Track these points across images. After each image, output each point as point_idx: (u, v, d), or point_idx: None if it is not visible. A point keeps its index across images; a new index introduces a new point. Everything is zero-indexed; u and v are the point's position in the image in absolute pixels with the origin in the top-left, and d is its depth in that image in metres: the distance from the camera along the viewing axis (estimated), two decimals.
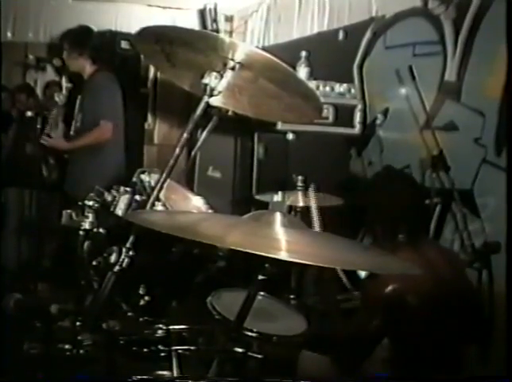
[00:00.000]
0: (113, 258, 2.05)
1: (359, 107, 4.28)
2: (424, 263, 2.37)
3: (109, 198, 2.34)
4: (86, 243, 2.33)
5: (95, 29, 4.99)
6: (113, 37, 5.63)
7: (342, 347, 2.45)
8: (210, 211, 2.61)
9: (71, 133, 4.85)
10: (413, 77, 3.86)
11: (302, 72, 4.12)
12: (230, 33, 6.40)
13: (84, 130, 4.64)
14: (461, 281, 2.64)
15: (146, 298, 2.32)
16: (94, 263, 2.19)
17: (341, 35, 4.59)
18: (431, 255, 2.51)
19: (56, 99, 5.00)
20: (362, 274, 2.69)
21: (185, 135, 2.07)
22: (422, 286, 2.30)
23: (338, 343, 2.48)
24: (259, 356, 2.06)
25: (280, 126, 3.97)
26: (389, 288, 2.31)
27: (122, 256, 2.03)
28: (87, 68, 4.74)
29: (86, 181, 3.94)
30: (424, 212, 2.86)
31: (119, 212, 2.30)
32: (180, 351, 2.11)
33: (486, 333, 2.91)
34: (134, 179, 2.45)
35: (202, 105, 2.06)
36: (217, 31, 5.83)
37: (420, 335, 2.34)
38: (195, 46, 2.00)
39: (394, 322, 2.37)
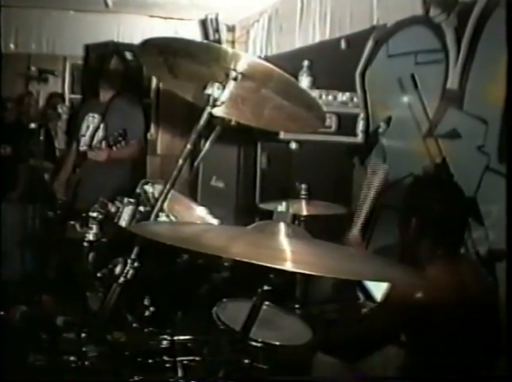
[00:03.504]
0: (118, 269, 2.05)
1: (362, 115, 4.28)
2: (455, 278, 2.35)
3: (113, 209, 2.35)
4: (90, 255, 2.34)
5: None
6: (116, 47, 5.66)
7: (352, 345, 2.44)
8: (214, 221, 2.61)
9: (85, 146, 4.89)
10: (416, 85, 3.86)
11: (304, 81, 4.13)
12: (232, 42, 6.43)
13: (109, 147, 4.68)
14: (486, 297, 2.61)
15: (151, 308, 2.32)
16: (98, 274, 2.19)
17: (343, 44, 4.60)
18: (462, 269, 2.47)
19: (60, 110, 5.02)
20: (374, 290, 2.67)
21: (188, 146, 2.07)
22: (447, 299, 2.28)
23: (349, 344, 2.47)
24: (265, 366, 2.06)
25: (282, 135, 3.97)
26: (412, 297, 2.28)
27: (127, 267, 2.03)
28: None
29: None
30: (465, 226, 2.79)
31: (123, 223, 2.31)
32: (185, 362, 2.11)
33: (496, 341, 2.90)
34: (138, 190, 2.45)
35: (205, 115, 2.06)
36: (219, 41, 5.86)
37: (437, 345, 2.32)
38: (199, 57, 2.01)
39: (413, 330, 2.35)
